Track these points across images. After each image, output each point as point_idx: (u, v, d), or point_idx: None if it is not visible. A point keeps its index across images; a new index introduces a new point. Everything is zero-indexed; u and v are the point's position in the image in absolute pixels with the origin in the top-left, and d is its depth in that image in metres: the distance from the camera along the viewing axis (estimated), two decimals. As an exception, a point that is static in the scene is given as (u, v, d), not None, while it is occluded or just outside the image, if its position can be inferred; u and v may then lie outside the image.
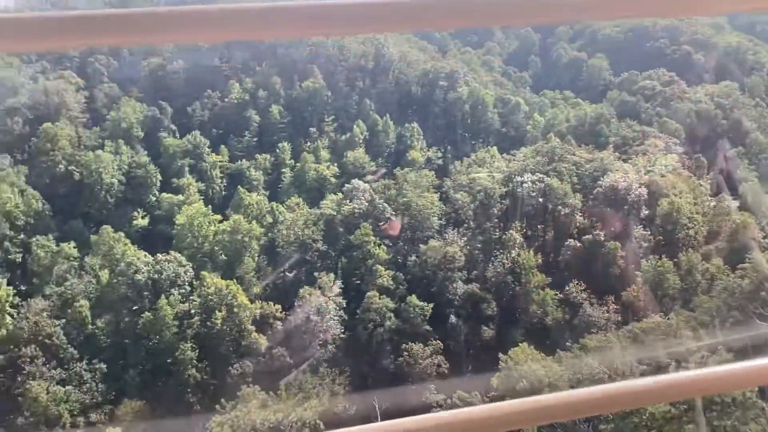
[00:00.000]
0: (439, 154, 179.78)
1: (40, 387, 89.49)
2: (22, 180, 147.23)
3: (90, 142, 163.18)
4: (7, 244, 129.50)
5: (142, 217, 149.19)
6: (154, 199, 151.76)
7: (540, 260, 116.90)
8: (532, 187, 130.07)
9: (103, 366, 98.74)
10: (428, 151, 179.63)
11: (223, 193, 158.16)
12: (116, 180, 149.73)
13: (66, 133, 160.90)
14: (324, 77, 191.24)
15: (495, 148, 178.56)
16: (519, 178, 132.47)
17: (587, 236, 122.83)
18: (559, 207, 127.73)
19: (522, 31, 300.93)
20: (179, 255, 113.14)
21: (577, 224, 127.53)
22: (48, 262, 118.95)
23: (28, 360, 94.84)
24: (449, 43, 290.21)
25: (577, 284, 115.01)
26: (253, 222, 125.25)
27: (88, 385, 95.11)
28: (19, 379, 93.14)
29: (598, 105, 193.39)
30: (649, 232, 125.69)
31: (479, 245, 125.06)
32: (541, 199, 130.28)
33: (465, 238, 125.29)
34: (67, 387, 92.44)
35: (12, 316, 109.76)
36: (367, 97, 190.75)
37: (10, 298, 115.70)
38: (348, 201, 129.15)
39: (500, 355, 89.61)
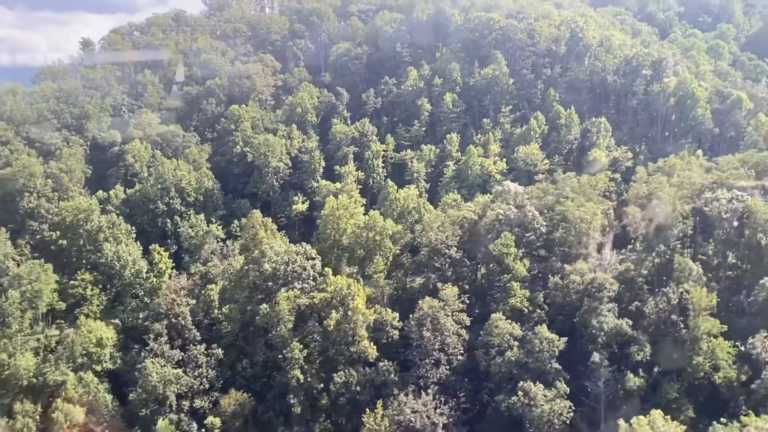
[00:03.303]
0: (630, 155, 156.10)
1: (153, 366, 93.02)
2: (205, 158, 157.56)
3: (270, 125, 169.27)
4: (176, 218, 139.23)
5: (303, 202, 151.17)
6: (315, 184, 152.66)
7: (717, 300, 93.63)
8: (726, 207, 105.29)
9: (220, 352, 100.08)
10: (616, 150, 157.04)
11: (383, 183, 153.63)
12: (283, 164, 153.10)
13: (250, 115, 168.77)
14: (508, 63, 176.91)
15: (700, 151, 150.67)
16: (710, 194, 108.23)
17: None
18: (760, 235, 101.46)
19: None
20: (309, 247, 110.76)
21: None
22: (197, 241, 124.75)
23: (154, 337, 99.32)
24: (674, 24, 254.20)
25: (766, 337, 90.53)
26: (389, 219, 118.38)
27: (201, 369, 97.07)
28: (143, 354, 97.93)
29: None
30: None
31: (644, 272, 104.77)
32: (736, 223, 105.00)
33: (627, 262, 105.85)
34: (178, 369, 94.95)
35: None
36: (553, 86, 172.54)
37: (169, 270, 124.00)
38: (496, 204, 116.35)
39: (620, 422, 72.47)
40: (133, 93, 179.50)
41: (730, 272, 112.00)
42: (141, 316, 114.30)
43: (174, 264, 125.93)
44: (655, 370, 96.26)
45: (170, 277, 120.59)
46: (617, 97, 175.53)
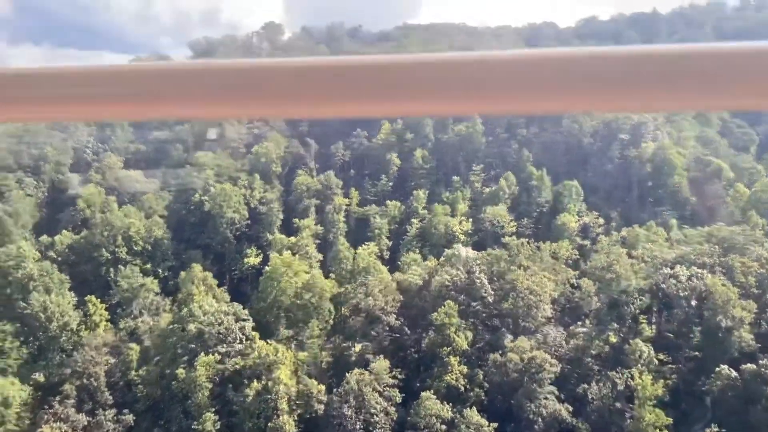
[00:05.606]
0: (601, 221, 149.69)
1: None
2: (162, 205, 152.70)
3: (234, 174, 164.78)
4: (120, 267, 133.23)
5: (256, 255, 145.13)
6: (271, 237, 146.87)
7: (666, 388, 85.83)
8: (685, 285, 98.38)
9: (131, 418, 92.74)
10: (587, 216, 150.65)
11: (338, 240, 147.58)
12: (239, 215, 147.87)
13: (215, 163, 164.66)
14: (483, 121, 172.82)
15: (674, 221, 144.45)
16: (668, 270, 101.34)
17: (750, 366, 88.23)
18: (719, 317, 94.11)
19: None
20: (240, 307, 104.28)
21: (740, 346, 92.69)
22: (130, 294, 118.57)
23: (60, 399, 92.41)
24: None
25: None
26: (330, 280, 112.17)
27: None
28: (46, 417, 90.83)
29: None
30: None
31: (592, 352, 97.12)
32: (694, 303, 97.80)
33: (575, 340, 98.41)
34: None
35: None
36: (527, 147, 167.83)
37: (104, 323, 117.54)
38: (444, 269, 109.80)
39: None
40: (101, 136, 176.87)
41: (696, 353, 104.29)
42: (67, 372, 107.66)
43: (111, 317, 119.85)
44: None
45: (104, 330, 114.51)
46: (591, 161, 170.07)
